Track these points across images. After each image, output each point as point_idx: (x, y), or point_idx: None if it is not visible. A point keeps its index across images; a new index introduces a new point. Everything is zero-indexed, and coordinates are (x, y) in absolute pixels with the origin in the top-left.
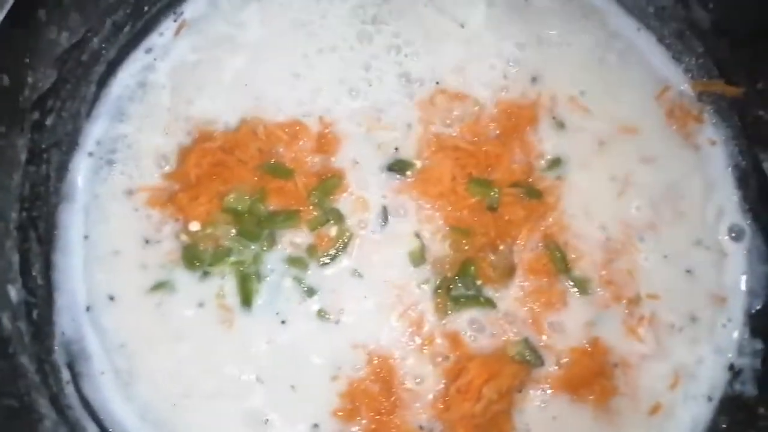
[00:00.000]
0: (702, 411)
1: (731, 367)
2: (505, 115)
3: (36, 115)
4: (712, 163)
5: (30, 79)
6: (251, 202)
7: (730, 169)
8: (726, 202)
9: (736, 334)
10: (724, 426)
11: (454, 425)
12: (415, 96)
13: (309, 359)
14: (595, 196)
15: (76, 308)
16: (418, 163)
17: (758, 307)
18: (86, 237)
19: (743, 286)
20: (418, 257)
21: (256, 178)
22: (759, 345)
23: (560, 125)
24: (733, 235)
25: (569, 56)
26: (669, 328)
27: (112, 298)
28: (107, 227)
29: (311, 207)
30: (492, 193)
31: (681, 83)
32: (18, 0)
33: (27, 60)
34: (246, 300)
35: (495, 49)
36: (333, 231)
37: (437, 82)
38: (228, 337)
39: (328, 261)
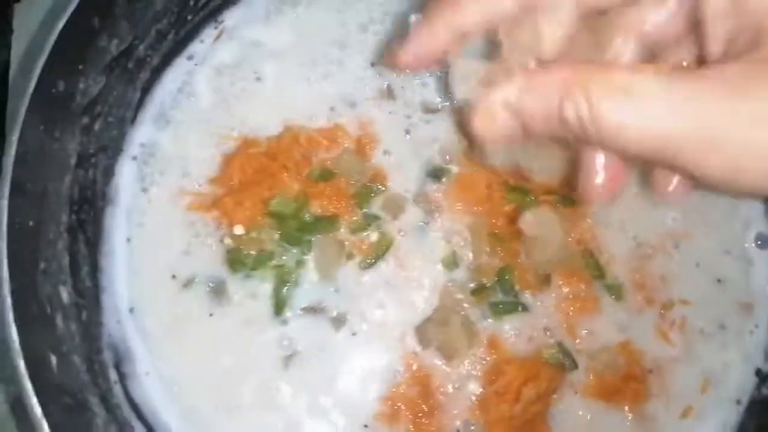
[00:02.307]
0: (731, 414)
1: (758, 372)
2: None
3: (85, 120)
4: None
5: (81, 85)
6: (296, 206)
7: None
8: (752, 211)
9: (762, 340)
10: (752, 429)
11: (492, 427)
12: (453, 99)
13: (345, 366)
14: (628, 204)
15: (120, 310)
16: (455, 169)
17: None
18: (128, 240)
19: None
20: (451, 263)
21: (299, 183)
22: None
23: None
24: (759, 243)
25: None
26: (699, 334)
27: (152, 301)
28: (149, 231)
29: (352, 211)
30: (528, 200)
31: None
32: (75, 8)
33: (80, 66)
34: (280, 306)
35: None
36: (373, 236)
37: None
38: (265, 345)
39: (367, 267)
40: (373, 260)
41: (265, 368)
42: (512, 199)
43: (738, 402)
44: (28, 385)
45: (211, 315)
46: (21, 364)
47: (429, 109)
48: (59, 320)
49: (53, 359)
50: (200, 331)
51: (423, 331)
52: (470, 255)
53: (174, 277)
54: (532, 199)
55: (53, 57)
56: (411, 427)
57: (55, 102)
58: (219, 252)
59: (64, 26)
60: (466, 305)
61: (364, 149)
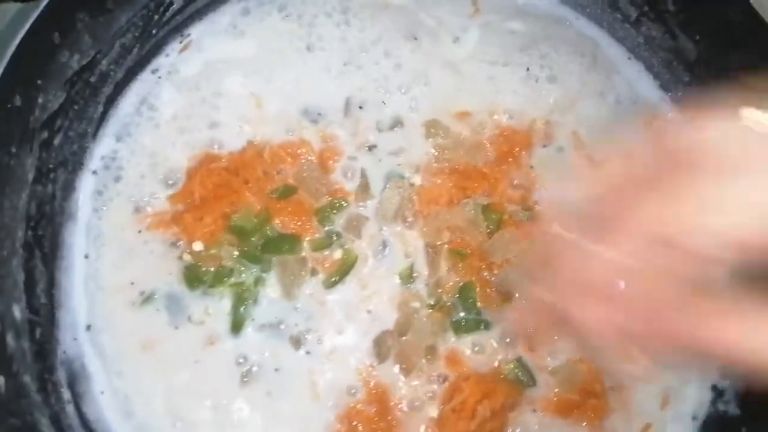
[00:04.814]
0: (688, 430)
1: (714, 388)
2: (502, 138)
3: (44, 135)
4: None
5: (40, 100)
6: (257, 222)
7: None
8: None
9: None
10: None
11: None
12: (415, 115)
13: (302, 383)
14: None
15: (77, 327)
16: (417, 181)
17: None
18: (86, 256)
19: None
20: (408, 276)
21: (261, 199)
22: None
23: (558, 149)
24: None
25: (565, 88)
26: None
27: (110, 317)
28: (108, 247)
29: (315, 228)
30: (493, 216)
31: (668, 112)
32: (34, 23)
33: (39, 82)
34: (237, 324)
35: (487, 75)
36: (336, 253)
37: (437, 101)
38: (222, 362)
39: (331, 286)
40: (338, 278)
41: (222, 386)
42: (479, 215)
43: (694, 418)
44: None
45: (168, 332)
46: None
47: (391, 124)
48: (10, 339)
49: (1, 380)
50: (157, 348)
51: (380, 342)
52: (427, 270)
53: (132, 293)
54: (497, 215)
55: (9, 72)
56: None
57: (10, 117)
58: (178, 268)
59: (21, 42)
60: (424, 318)
61: (326, 163)
